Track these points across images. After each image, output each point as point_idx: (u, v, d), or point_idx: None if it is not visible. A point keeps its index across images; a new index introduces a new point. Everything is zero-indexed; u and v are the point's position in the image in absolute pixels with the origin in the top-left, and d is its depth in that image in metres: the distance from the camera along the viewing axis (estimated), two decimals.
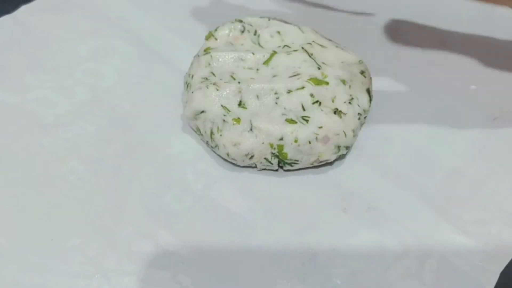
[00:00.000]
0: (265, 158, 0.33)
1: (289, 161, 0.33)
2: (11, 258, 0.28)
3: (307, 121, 0.33)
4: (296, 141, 0.33)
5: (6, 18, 0.39)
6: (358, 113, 0.34)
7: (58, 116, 0.34)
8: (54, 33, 0.38)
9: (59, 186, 0.31)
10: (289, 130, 0.33)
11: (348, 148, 0.34)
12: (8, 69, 0.36)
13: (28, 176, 0.31)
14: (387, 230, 0.30)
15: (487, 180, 0.32)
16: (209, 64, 0.37)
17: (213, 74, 0.37)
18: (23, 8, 0.39)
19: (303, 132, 0.33)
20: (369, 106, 0.35)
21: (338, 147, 0.33)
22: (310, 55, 0.36)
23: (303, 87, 0.34)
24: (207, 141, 0.34)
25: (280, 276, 0.28)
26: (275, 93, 0.34)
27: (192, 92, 0.35)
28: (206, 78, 0.36)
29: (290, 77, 0.35)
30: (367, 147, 0.34)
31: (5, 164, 0.31)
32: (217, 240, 0.29)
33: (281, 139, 0.33)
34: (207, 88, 0.35)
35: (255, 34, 0.38)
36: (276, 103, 0.34)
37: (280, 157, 0.33)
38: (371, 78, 0.36)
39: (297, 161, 0.33)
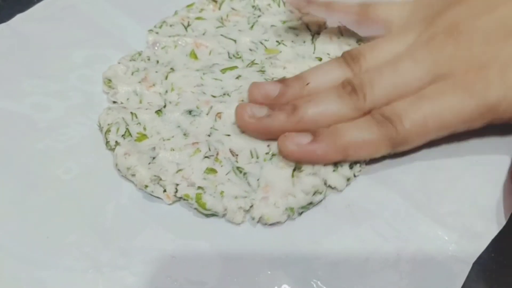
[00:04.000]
0: (146, 185, 0.31)
1: (208, 212, 0.30)
2: (10, 255, 0.29)
3: (244, 175, 0.31)
4: (222, 194, 0.30)
5: (2, 26, 0.40)
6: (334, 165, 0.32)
7: (52, 120, 0.35)
8: (48, 41, 0.39)
9: (55, 186, 0.32)
10: (209, 182, 0.30)
11: (308, 205, 0.31)
12: (4, 76, 0.37)
13: (25, 177, 0.32)
14: (366, 224, 0.31)
15: (463, 175, 0.34)
16: (165, 48, 0.37)
17: (157, 62, 0.37)
18: (18, 17, 0.40)
19: (232, 187, 0.30)
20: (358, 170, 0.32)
21: (291, 209, 0.30)
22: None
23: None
24: (105, 140, 0.33)
25: (264, 267, 0.29)
26: (212, 128, 0.33)
27: (118, 63, 0.36)
28: (149, 58, 0.37)
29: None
30: None
31: (3, 167, 0.33)
32: (205, 235, 0.30)
33: (200, 187, 0.30)
34: (132, 74, 0.35)
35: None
36: (206, 140, 0.32)
37: (198, 206, 0.30)
38: None
39: (217, 212, 0.30)
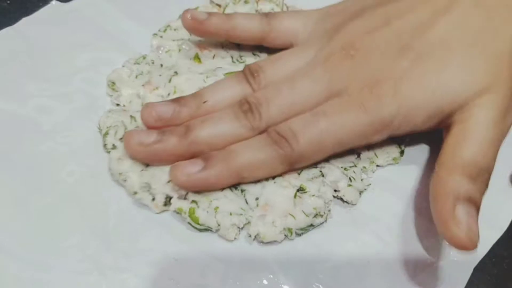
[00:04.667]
0: (135, 192, 0.31)
1: (201, 227, 0.30)
2: (13, 256, 0.29)
3: (242, 192, 0.31)
4: (216, 209, 0.30)
5: (8, 30, 0.40)
6: (334, 190, 0.32)
7: (56, 123, 0.35)
8: (53, 44, 0.39)
9: (58, 188, 0.32)
10: (203, 196, 0.30)
11: (308, 227, 0.30)
12: (10, 79, 0.37)
13: (29, 179, 0.33)
14: (367, 228, 0.31)
15: None
16: (168, 51, 0.38)
17: (161, 65, 0.37)
18: (23, 21, 0.41)
19: (227, 204, 0.30)
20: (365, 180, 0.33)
21: (289, 229, 0.30)
22: None
23: None
24: (104, 142, 0.33)
25: (265, 270, 0.30)
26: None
27: (123, 66, 0.36)
28: (153, 62, 0.37)
29: None
30: None
31: (7, 169, 0.33)
32: (207, 238, 0.31)
33: (194, 201, 0.30)
34: (136, 78, 0.35)
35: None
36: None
37: (191, 220, 0.30)
38: None
39: (210, 228, 0.30)
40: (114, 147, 0.33)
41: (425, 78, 0.30)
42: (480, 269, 0.30)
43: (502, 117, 0.29)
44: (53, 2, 0.42)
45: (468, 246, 0.26)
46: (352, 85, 0.30)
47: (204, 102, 0.32)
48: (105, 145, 0.33)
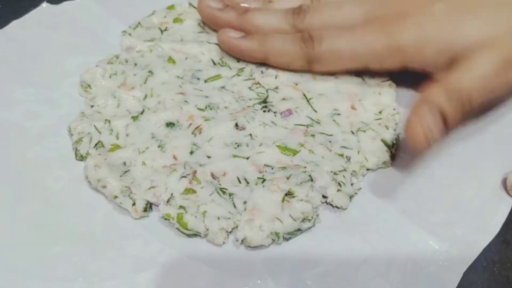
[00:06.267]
0: (115, 196, 0.31)
1: (190, 232, 0.30)
2: None
3: (230, 196, 0.31)
4: (204, 214, 0.30)
5: None
6: (323, 196, 0.31)
7: (44, 127, 0.35)
8: (42, 48, 0.39)
9: (45, 194, 0.32)
10: (191, 202, 0.30)
11: (295, 232, 0.30)
12: None
13: (16, 185, 0.32)
14: (357, 234, 0.31)
15: (455, 184, 0.33)
16: (139, 51, 0.37)
17: (135, 64, 0.37)
18: (13, 24, 0.41)
19: (215, 208, 0.30)
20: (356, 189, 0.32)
21: (276, 234, 0.30)
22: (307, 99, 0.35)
23: (261, 152, 0.32)
24: (75, 149, 0.33)
25: (253, 276, 0.29)
26: (208, 140, 0.33)
27: (96, 66, 0.36)
28: (126, 61, 0.37)
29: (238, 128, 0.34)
30: None
31: None
32: (195, 244, 0.30)
33: (182, 207, 0.30)
34: (110, 77, 0.35)
35: None
36: (191, 152, 0.32)
37: (180, 226, 0.30)
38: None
39: (199, 233, 0.30)
40: (88, 154, 0.32)
41: (450, 21, 0.33)
42: (470, 273, 0.30)
43: (503, 67, 0.32)
44: (44, 4, 0.42)
45: (421, 140, 0.30)
46: (385, 13, 0.35)
47: (270, 2, 0.39)
48: (77, 151, 0.33)
